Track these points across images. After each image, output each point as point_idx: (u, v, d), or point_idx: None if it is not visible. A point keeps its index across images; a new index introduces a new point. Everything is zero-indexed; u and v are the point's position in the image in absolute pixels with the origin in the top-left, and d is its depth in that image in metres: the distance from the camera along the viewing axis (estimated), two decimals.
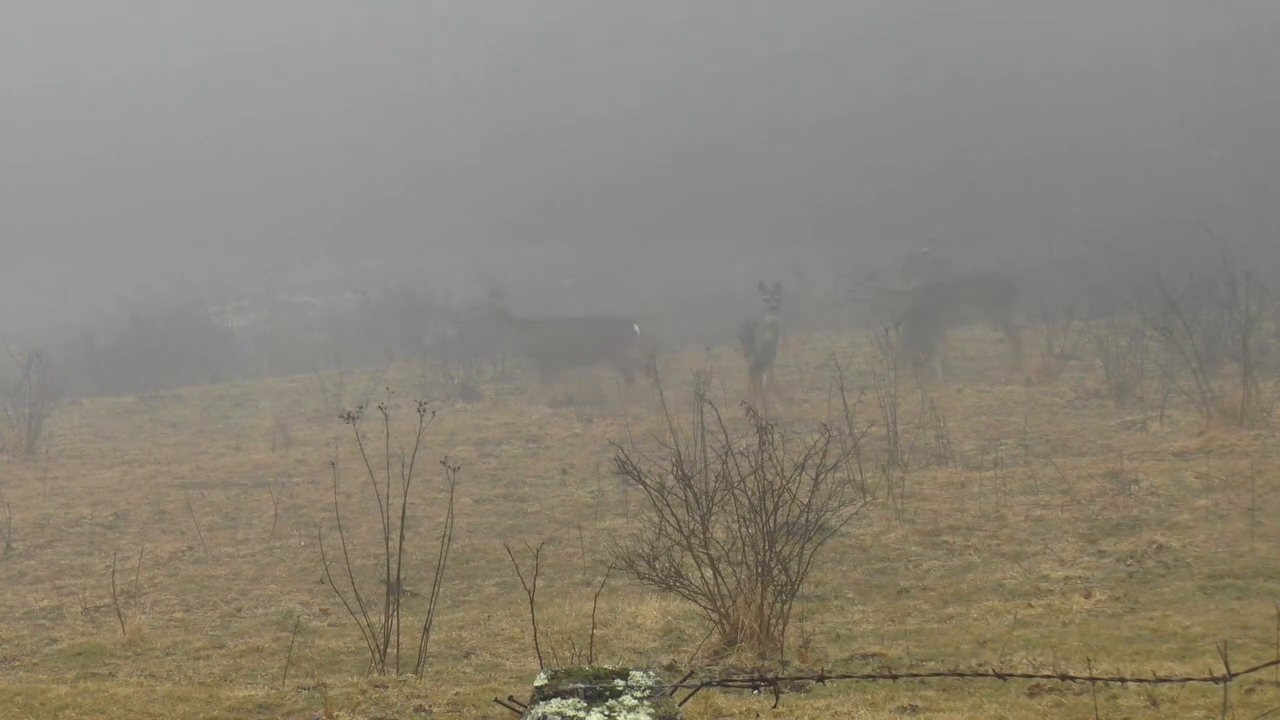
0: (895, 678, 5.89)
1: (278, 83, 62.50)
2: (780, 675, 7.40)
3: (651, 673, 5.04)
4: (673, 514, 10.31)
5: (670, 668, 9.78)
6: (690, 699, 5.88)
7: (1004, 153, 51.50)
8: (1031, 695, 8.45)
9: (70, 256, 53.58)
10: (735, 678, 8.61)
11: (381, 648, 9.81)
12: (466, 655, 10.46)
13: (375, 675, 9.54)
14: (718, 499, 10.45)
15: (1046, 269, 34.58)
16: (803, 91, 56.20)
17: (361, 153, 59.12)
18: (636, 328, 22.94)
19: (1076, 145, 50.82)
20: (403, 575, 10.52)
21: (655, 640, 10.59)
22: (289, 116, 60.74)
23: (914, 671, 9.29)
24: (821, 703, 8.45)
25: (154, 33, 64.44)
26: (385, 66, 62.71)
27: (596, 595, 10.58)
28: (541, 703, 4.93)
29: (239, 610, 12.30)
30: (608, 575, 11.60)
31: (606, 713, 4.88)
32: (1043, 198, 48.26)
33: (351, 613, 10.35)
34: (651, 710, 4.90)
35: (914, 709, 8.31)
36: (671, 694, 5.05)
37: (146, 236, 55.74)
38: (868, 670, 9.48)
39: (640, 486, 10.66)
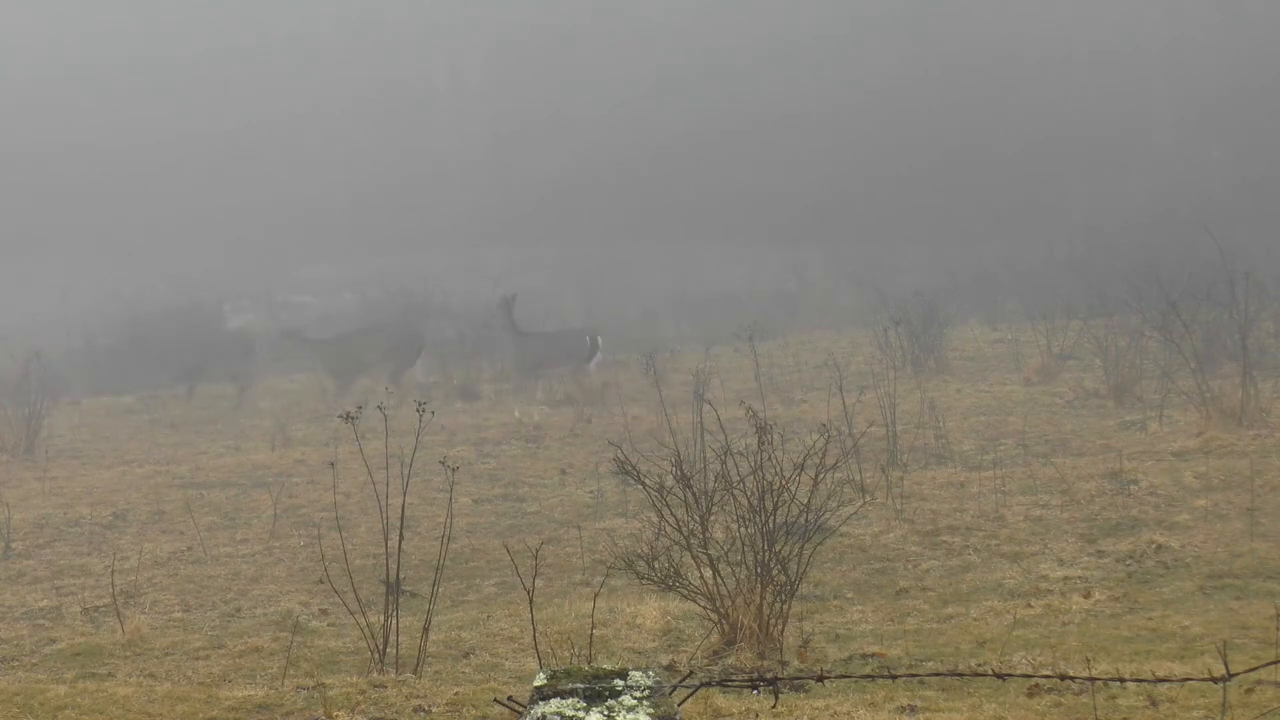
0: (894, 678, 5.89)
1: (274, 79, 62.45)
2: (779, 675, 7.40)
3: (651, 673, 5.04)
4: (672, 514, 10.31)
5: (669, 668, 9.78)
6: (690, 699, 5.88)
7: (1002, 151, 51.48)
8: (1030, 695, 8.46)
9: (68, 256, 53.55)
10: (734, 678, 8.61)
11: (381, 648, 9.81)
12: (466, 655, 10.45)
13: (374, 675, 9.54)
14: (717, 499, 10.45)
15: (1045, 268, 34.61)
16: (800, 88, 56.20)
17: (359, 150, 59.11)
18: None
19: (1075, 144, 50.81)
20: (402, 575, 10.52)
21: (654, 640, 10.58)
22: (286, 114, 60.70)
23: (913, 671, 9.29)
24: (821, 703, 8.45)
25: (150, 27, 64.35)
26: (383, 63, 62.68)
27: (596, 595, 10.58)
28: (541, 703, 4.93)
29: (238, 610, 12.30)
30: (607, 575, 11.60)
31: (606, 713, 4.88)
32: (1041, 196, 48.27)
33: (351, 613, 10.34)
34: (651, 710, 4.90)
35: (913, 709, 8.31)
36: (671, 694, 5.05)
37: (145, 236, 55.73)
38: (867, 670, 9.47)
39: (639, 486, 10.65)
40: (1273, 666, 7.82)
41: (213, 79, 62.32)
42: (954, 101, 53.97)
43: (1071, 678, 5.77)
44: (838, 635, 10.52)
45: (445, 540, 10.85)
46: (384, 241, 53.08)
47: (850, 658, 9.87)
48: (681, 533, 10.27)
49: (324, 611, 11.95)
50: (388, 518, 10.43)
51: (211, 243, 54.67)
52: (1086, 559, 12.39)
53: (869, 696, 8.58)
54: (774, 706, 8.21)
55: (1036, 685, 8.50)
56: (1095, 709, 8.03)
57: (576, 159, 56.00)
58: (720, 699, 8.43)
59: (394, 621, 9.81)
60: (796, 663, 9.78)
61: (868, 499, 14.09)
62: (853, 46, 57.03)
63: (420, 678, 9.51)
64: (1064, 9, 55.42)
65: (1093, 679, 6.55)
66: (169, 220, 56.51)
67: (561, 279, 44.96)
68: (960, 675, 5.73)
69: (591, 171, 55.15)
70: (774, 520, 10.14)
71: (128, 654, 10.77)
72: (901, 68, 55.28)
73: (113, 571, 12.81)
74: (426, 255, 49.67)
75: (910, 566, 12.60)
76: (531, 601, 9.79)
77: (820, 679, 5.57)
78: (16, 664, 10.79)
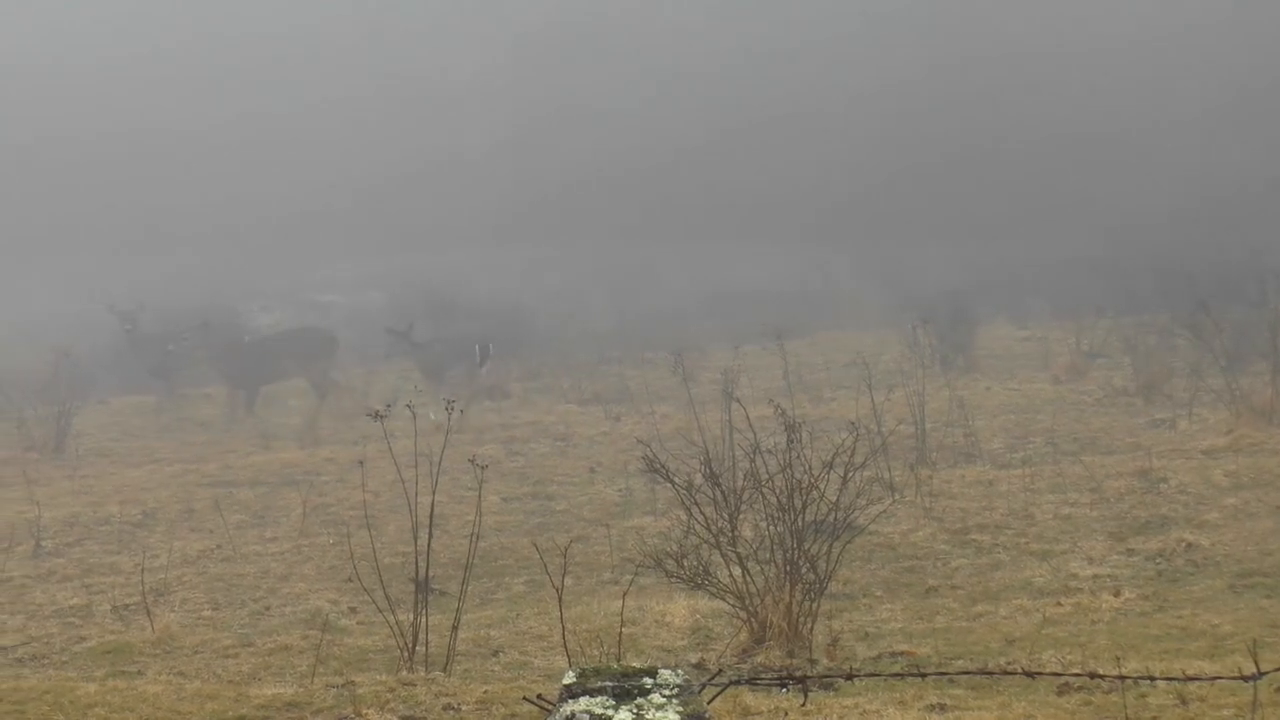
0: (924, 676, 5.88)
1: (297, 74, 62.49)
2: (808, 674, 7.39)
3: (680, 671, 5.04)
4: (701, 512, 10.31)
5: (698, 666, 9.77)
6: (718, 697, 5.87)
7: (1026, 148, 51.37)
8: (1060, 694, 8.43)
9: (95, 254, 53.62)
10: (763, 676, 8.59)
11: (410, 646, 9.82)
12: (495, 653, 10.46)
13: (404, 673, 9.54)
14: (746, 497, 10.44)
15: (1070, 266, 34.53)
16: (824, 85, 56.15)
17: (382, 146, 59.11)
18: None
19: (1099, 141, 50.68)
20: (431, 573, 10.53)
21: (683, 638, 10.58)
22: (307, 108, 60.73)
23: (942, 670, 9.27)
24: (850, 701, 8.44)
25: (176, 18, 64.41)
26: (406, 59, 62.69)
27: (625, 593, 10.57)
28: (570, 701, 4.93)
29: (267, 608, 12.32)
30: (636, 573, 11.60)
31: (635, 711, 4.88)
32: (1065, 193, 48.16)
33: (380, 611, 10.35)
34: (680, 708, 4.89)
35: (943, 707, 8.29)
36: (700, 692, 5.05)
37: (170, 233, 55.79)
38: (896, 669, 9.46)
39: (668, 485, 10.65)
40: None
41: (238, 73, 62.41)
42: (977, 98, 53.86)
43: (1101, 676, 5.75)
44: (867, 634, 10.50)
45: (474, 538, 10.86)
46: (408, 239, 53.11)
47: (879, 656, 9.86)
48: (710, 531, 10.27)
49: (353, 610, 11.97)
50: (416, 516, 10.44)
51: (235, 242, 54.74)
52: (1116, 557, 12.36)
53: (898, 695, 8.57)
54: (803, 705, 8.19)
55: (1066, 684, 8.48)
56: (1125, 707, 8.01)
57: (602, 156, 56.00)
58: (749, 697, 8.42)
59: (423, 620, 9.82)
60: (825, 661, 9.76)
61: (897, 497, 14.08)
62: (876, 43, 56.97)
63: (449, 676, 9.52)
64: (1088, 3, 55.28)
65: (1122, 677, 6.52)
66: (194, 217, 56.59)
67: (588, 277, 44.94)
68: (990, 674, 5.72)
69: (617, 168, 55.16)
70: (803, 518, 10.13)
71: (157, 652, 10.79)
72: (924, 65, 55.21)
73: (142, 570, 12.84)
74: (452, 253, 49.67)
75: (939, 565, 12.58)
76: (560, 600, 9.79)
77: (849, 677, 5.56)
78: (47, 661, 10.83)
